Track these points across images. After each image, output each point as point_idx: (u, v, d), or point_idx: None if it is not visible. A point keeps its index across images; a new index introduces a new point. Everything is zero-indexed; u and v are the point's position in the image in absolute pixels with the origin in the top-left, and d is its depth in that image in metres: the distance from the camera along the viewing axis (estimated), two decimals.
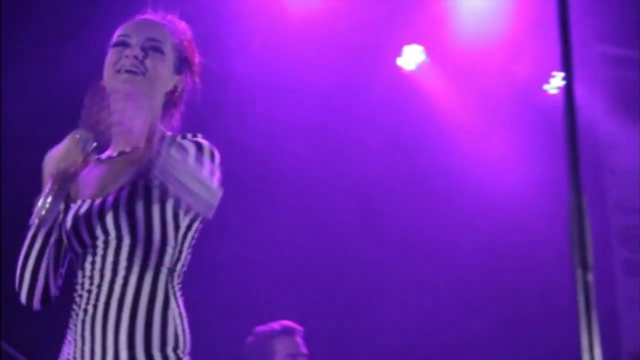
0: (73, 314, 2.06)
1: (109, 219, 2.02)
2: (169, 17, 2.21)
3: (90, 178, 2.14)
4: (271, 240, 4.24)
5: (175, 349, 2.05)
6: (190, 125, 4.45)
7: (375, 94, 4.47)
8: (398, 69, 4.70)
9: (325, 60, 4.33)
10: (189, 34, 2.23)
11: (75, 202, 2.11)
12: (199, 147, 2.11)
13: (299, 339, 3.82)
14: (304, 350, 3.79)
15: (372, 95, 4.47)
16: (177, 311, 2.08)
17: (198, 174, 2.00)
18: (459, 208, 4.38)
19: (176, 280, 2.11)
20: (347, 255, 4.40)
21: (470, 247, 4.30)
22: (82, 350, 2.03)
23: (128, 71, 2.07)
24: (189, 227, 2.12)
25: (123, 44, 2.11)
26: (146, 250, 2.04)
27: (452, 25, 4.52)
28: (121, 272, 2.03)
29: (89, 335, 2.02)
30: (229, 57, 4.22)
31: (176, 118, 2.19)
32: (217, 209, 4.52)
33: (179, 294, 2.11)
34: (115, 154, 2.14)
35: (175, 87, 2.17)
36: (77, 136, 1.99)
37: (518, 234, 4.37)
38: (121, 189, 2.04)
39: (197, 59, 2.24)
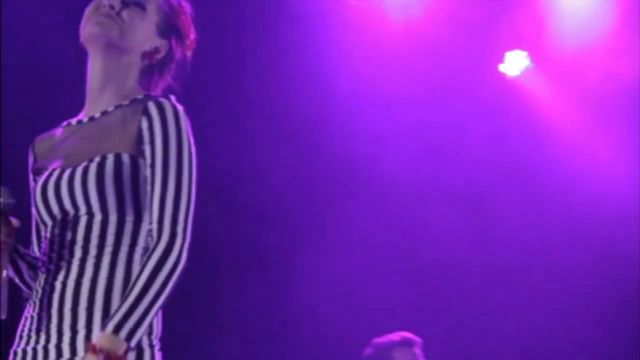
0: (37, 288, 2.00)
1: (79, 193, 1.95)
2: None
3: (60, 145, 2.10)
4: (382, 248, 4.38)
5: (150, 334, 1.97)
6: (296, 137, 4.68)
7: (479, 101, 4.55)
8: (501, 76, 4.76)
9: (428, 68, 4.43)
10: (185, 5, 2.18)
11: (45, 171, 2.07)
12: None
13: (417, 350, 3.88)
14: None
15: (476, 103, 4.55)
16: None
17: None
18: (567, 212, 4.43)
19: None
20: (457, 262, 4.51)
21: (581, 251, 4.33)
22: (48, 328, 1.95)
23: (102, 14, 2.03)
24: None
25: None
26: (119, 228, 1.97)
27: (553, 27, 4.57)
28: (93, 250, 1.95)
29: (56, 314, 1.95)
30: (333, 68, 4.45)
31: (159, 87, 2.13)
32: (330, 219, 4.48)
33: None
34: (86, 119, 2.09)
35: (156, 49, 2.10)
36: None
37: (628, 239, 4.37)
38: (90, 160, 1.97)
39: (191, 33, 2.18)
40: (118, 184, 1.91)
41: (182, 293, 4.36)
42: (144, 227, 1.95)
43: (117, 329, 1.80)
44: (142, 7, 2.06)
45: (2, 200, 1.88)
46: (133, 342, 1.82)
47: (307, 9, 4.42)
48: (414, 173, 4.39)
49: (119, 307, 1.84)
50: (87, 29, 2.01)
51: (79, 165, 1.92)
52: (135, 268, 1.93)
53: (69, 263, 1.91)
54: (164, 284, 1.89)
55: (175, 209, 1.93)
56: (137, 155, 1.93)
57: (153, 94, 2.07)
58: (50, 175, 1.97)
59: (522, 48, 4.84)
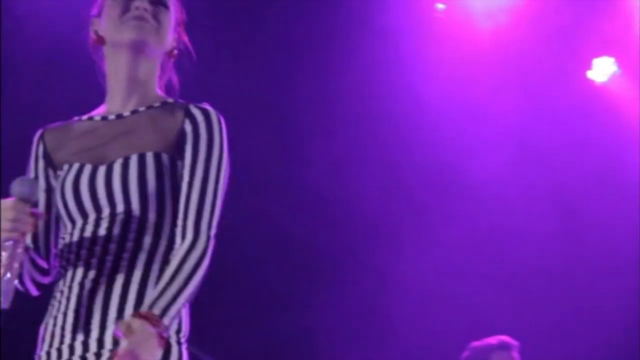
0: (64, 286, 1.99)
1: (117, 190, 1.95)
2: None
3: (84, 139, 2.08)
4: (475, 251, 4.54)
5: (178, 332, 1.98)
6: (388, 146, 4.84)
7: (567, 107, 4.62)
8: (589, 82, 4.83)
9: (516, 75, 4.54)
10: None
11: (69, 165, 2.04)
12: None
13: (515, 354, 3.90)
14: None
15: (564, 109, 4.63)
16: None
17: None
18: None
19: None
20: (549, 264, 4.60)
21: None
22: (75, 321, 1.96)
23: (139, 18, 2.01)
24: None
25: None
26: (157, 227, 1.98)
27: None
28: (129, 248, 1.96)
29: (85, 308, 1.95)
30: (422, 78, 4.55)
31: (162, 82, 2.15)
32: (424, 224, 4.60)
33: None
34: (112, 116, 2.08)
35: (174, 46, 2.13)
36: (19, 198, 1.89)
37: None
38: (127, 157, 1.97)
39: (185, 19, 2.19)
40: (159, 182, 1.94)
41: (285, 295, 4.55)
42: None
43: (150, 307, 1.85)
44: (166, 7, 2.07)
45: (29, 190, 1.86)
46: (166, 320, 1.84)
47: (395, 21, 4.55)
48: (504, 179, 4.48)
49: (150, 295, 1.90)
50: (126, 33, 2.01)
51: (114, 162, 1.94)
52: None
53: (102, 260, 1.92)
54: (192, 276, 1.92)
55: (211, 215, 1.97)
56: (175, 155, 1.96)
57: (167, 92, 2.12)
58: (80, 171, 1.96)
59: (609, 54, 4.84)
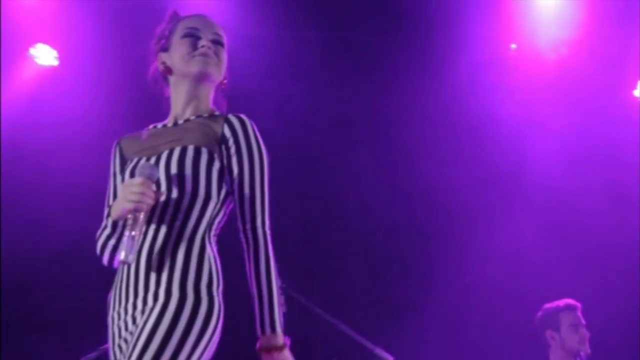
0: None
1: (162, 174, 2.14)
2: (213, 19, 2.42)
3: (147, 141, 2.31)
4: (542, 231, 5.25)
5: (209, 285, 2.15)
6: (469, 152, 5.67)
7: (616, 120, 5.34)
8: (635, 99, 5.48)
9: (574, 96, 5.29)
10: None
11: (131, 160, 2.28)
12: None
13: (579, 313, 4.44)
14: (583, 322, 4.36)
15: (613, 122, 5.33)
16: (212, 255, 2.18)
17: None
18: None
19: (213, 232, 2.21)
20: (601, 239, 5.27)
21: None
22: (127, 288, 2.15)
23: (204, 55, 2.27)
24: (228, 192, 2.22)
25: (194, 36, 2.29)
26: (191, 202, 2.14)
27: None
28: (167, 220, 2.14)
29: (133, 275, 2.15)
30: (500, 103, 5.28)
31: (212, 100, 2.37)
32: (500, 210, 5.46)
33: (214, 242, 2.21)
34: (170, 124, 2.32)
35: (224, 77, 2.39)
36: (146, 177, 2.09)
37: None
38: (172, 149, 2.18)
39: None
40: (195, 168, 2.15)
41: (402, 266, 5.50)
42: (210, 206, 2.15)
43: (273, 329, 2.10)
44: (223, 45, 2.35)
45: (152, 172, 2.07)
46: (279, 330, 2.11)
47: (477, 58, 5.36)
48: (563, 178, 5.27)
49: (262, 310, 2.11)
50: (195, 67, 2.27)
51: (162, 152, 2.17)
52: (203, 241, 2.15)
53: (157, 231, 2.12)
54: (272, 272, 2.16)
55: (262, 208, 2.20)
56: (214, 150, 2.18)
57: (217, 109, 2.35)
58: (137, 163, 2.21)
59: None
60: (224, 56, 2.34)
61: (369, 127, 5.59)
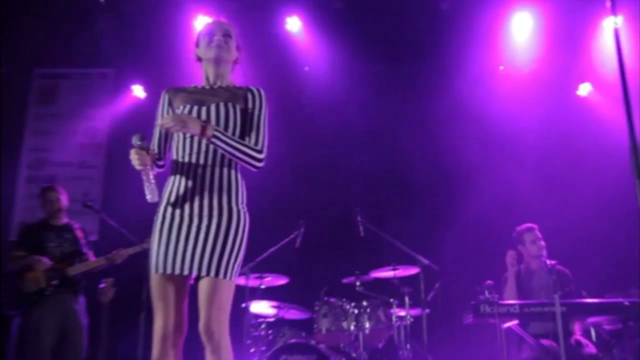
0: (178, 171, 2.81)
1: (213, 119, 2.74)
2: (227, 21, 3.05)
3: (193, 95, 2.88)
4: (519, 175, 6.38)
5: (243, 203, 2.82)
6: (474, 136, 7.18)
7: (564, 113, 6.56)
8: (578, 97, 6.83)
9: (536, 96, 6.63)
10: (238, 30, 3.04)
11: (183, 106, 2.84)
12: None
13: (536, 232, 5.25)
14: (539, 236, 5.22)
15: (562, 114, 6.54)
16: (242, 183, 2.85)
17: None
18: None
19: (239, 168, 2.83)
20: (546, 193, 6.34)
21: None
22: (183, 199, 2.72)
23: (218, 46, 2.90)
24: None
25: (210, 34, 2.95)
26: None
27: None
28: (210, 155, 2.74)
29: (190, 192, 2.69)
30: (489, 107, 6.40)
31: (233, 75, 2.98)
32: (496, 164, 6.75)
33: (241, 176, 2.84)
34: (207, 87, 2.92)
35: (236, 58, 3.01)
36: (137, 147, 2.66)
37: None
38: (218, 103, 2.80)
39: (241, 44, 3.05)
40: (232, 116, 2.81)
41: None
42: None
43: (214, 129, 2.72)
44: (230, 37, 2.98)
45: (140, 142, 2.61)
46: (212, 138, 2.69)
47: (471, 78, 6.51)
48: (539, 146, 6.44)
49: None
50: (213, 53, 2.93)
51: (210, 105, 2.81)
52: (237, 165, 2.81)
53: (198, 154, 2.76)
54: (245, 154, 2.79)
55: (264, 138, 2.89)
56: (239, 105, 2.87)
57: (235, 80, 2.96)
58: (191, 108, 2.82)
59: (588, 80, 6.80)
60: (232, 43, 2.96)
61: (409, 117, 6.87)
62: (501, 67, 7.03)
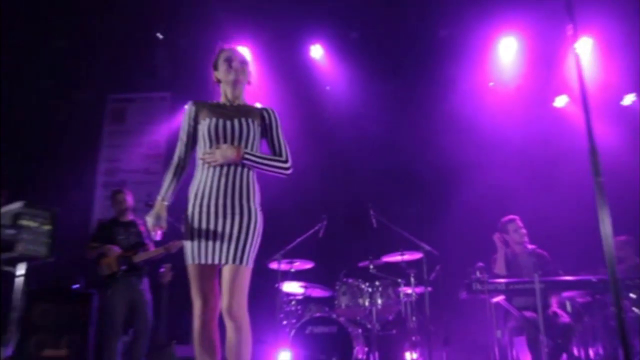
0: (205, 174, 2.77)
1: (237, 132, 2.74)
2: (239, 48, 2.95)
3: (216, 110, 2.81)
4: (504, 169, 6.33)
5: (258, 202, 2.80)
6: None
7: (542, 123, 6.44)
8: (554, 108, 6.62)
9: (518, 107, 6.58)
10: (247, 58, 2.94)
11: (210, 118, 2.77)
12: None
13: (518, 222, 5.20)
14: (521, 225, 5.09)
15: (541, 124, 6.45)
16: (257, 186, 2.83)
17: None
18: None
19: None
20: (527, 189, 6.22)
21: None
22: (209, 200, 2.72)
23: (237, 71, 2.88)
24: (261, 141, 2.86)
25: (230, 60, 2.90)
26: (250, 148, 2.75)
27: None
28: (232, 163, 2.72)
29: (214, 194, 2.70)
30: (481, 119, 6.49)
31: (246, 94, 2.92)
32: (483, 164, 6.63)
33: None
34: (227, 103, 2.88)
35: (249, 80, 2.96)
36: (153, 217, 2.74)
37: None
38: (240, 119, 2.78)
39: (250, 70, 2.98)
40: (253, 131, 2.82)
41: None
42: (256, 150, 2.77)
43: (244, 152, 2.71)
44: (246, 62, 2.95)
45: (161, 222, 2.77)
46: (245, 160, 2.69)
47: (464, 94, 6.48)
48: (523, 147, 6.36)
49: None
50: (232, 76, 2.87)
51: (234, 120, 2.76)
52: (253, 176, 2.78)
53: (228, 166, 2.74)
54: (273, 167, 2.80)
55: (286, 149, 2.88)
56: (257, 122, 2.86)
57: (247, 101, 2.91)
58: (217, 121, 2.76)
59: (564, 92, 6.62)
60: (247, 70, 2.93)
61: (413, 127, 6.85)
62: (491, 83, 7.00)
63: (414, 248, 5.45)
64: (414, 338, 5.53)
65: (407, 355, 5.51)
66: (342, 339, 5.18)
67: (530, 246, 4.96)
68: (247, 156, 2.69)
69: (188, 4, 6.57)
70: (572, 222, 5.83)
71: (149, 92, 7.73)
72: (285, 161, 2.80)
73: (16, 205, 4.36)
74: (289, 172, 2.80)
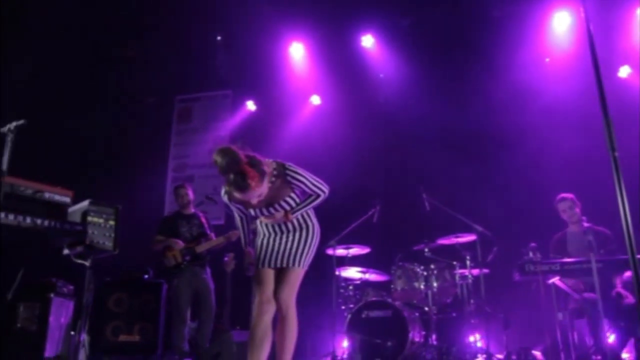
0: (262, 237, 3.17)
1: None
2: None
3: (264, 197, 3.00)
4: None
5: (314, 218, 3.24)
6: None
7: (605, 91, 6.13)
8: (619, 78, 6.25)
9: (577, 79, 5.89)
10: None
11: (249, 210, 3.08)
12: None
13: (567, 202, 4.97)
14: (570, 206, 4.88)
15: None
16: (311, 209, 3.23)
17: None
18: None
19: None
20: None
21: None
22: (273, 245, 3.12)
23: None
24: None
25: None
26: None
27: None
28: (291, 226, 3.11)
29: (277, 249, 3.15)
30: (539, 86, 6.20)
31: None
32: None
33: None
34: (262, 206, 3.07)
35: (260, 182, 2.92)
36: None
37: None
38: (274, 204, 3.03)
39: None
40: (293, 202, 3.11)
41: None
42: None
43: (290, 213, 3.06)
44: (251, 187, 2.87)
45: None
46: (292, 216, 3.05)
47: (532, 64, 6.20)
48: (569, 120, 6.00)
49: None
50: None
51: (275, 204, 3.06)
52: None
53: (280, 227, 3.12)
54: (314, 203, 3.11)
55: (316, 182, 3.08)
56: (289, 191, 3.05)
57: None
58: (262, 211, 3.07)
59: (627, 63, 6.16)
60: (259, 187, 2.91)
61: (468, 110, 6.58)
62: (547, 59, 6.67)
63: (468, 230, 5.28)
64: (472, 321, 5.37)
65: (468, 338, 5.36)
66: (397, 323, 5.10)
67: (586, 224, 4.61)
68: (295, 213, 3.03)
69: (244, 6, 6.72)
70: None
71: (212, 91, 7.91)
72: (321, 191, 3.05)
73: (84, 204, 4.64)
74: (326, 196, 3.07)
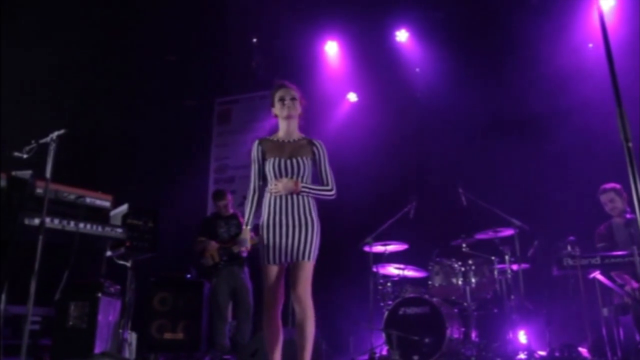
0: (272, 201, 3.20)
1: (295, 169, 3.15)
2: (293, 85, 3.28)
3: (280, 146, 3.23)
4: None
5: (315, 213, 3.24)
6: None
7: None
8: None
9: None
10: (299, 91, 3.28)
11: (273, 158, 3.19)
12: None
13: (610, 194, 4.78)
14: (611, 198, 4.71)
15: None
16: (314, 201, 3.25)
17: None
18: None
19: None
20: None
21: None
22: (280, 214, 3.16)
23: (289, 107, 3.22)
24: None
25: (283, 98, 3.24)
26: (306, 180, 3.18)
27: None
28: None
29: (284, 210, 3.15)
30: (583, 71, 5.88)
31: (299, 126, 3.26)
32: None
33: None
34: (285, 140, 3.24)
35: (301, 113, 3.27)
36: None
37: None
38: (297, 157, 3.18)
39: (304, 101, 3.32)
40: (308, 167, 3.21)
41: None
42: (310, 181, 3.19)
43: (302, 185, 3.16)
44: (296, 100, 3.28)
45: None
46: (301, 191, 3.14)
47: (574, 49, 5.98)
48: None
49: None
50: (286, 112, 3.25)
51: (292, 159, 3.18)
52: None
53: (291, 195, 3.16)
54: (322, 194, 3.22)
55: (332, 178, 3.25)
56: (310, 158, 3.23)
57: (301, 131, 3.27)
58: (280, 159, 3.18)
59: None
60: (297, 105, 3.29)
61: (506, 101, 6.39)
62: (590, 45, 6.35)
63: (506, 224, 5.15)
64: (513, 317, 5.23)
65: (509, 334, 5.22)
66: (434, 319, 5.01)
67: (629, 216, 4.51)
68: (303, 188, 3.10)
69: (276, 7, 6.87)
70: None
71: (251, 93, 8.01)
72: (331, 189, 3.19)
73: (123, 207, 4.84)
74: (333, 197, 3.18)
